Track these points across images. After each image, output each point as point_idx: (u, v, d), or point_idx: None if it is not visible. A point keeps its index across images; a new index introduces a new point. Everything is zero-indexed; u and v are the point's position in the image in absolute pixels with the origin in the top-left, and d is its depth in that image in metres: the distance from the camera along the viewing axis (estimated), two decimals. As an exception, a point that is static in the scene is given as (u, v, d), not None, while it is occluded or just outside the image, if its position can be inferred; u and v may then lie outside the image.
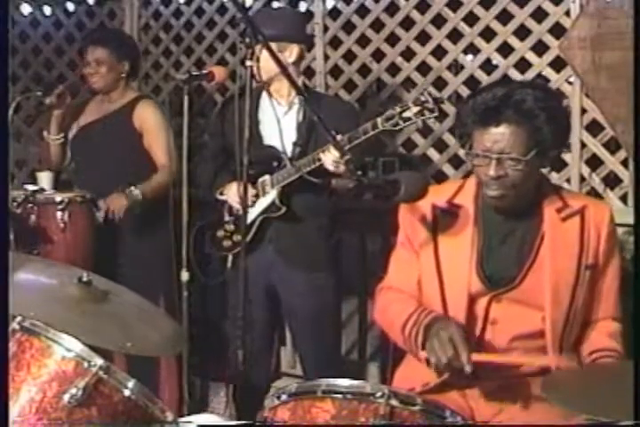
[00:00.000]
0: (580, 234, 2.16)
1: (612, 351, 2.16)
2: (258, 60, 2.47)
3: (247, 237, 2.86)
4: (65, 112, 3.55)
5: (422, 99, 2.50)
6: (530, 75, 3.40)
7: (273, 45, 2.81)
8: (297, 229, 3.00)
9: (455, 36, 3.58)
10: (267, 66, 2.72)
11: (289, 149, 2.96)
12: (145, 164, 3.49)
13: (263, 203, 2.96)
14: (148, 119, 3.50)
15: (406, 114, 2.53)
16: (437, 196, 2.15)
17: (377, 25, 3.77)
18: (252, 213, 2.95)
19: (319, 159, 2.73)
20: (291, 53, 2.96)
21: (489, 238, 2.19)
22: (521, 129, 2.05)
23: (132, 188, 3.38)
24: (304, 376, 3.18)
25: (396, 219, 2.31)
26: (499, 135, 2.05)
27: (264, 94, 3.03)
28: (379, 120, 2.59)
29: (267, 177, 2.94)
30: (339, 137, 2.60)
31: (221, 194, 3.06)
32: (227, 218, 3.07)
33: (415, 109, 2.51)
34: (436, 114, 2.50)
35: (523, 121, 2.04)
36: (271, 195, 2.94)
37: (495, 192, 2.11)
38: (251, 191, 2.87)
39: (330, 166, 2.69)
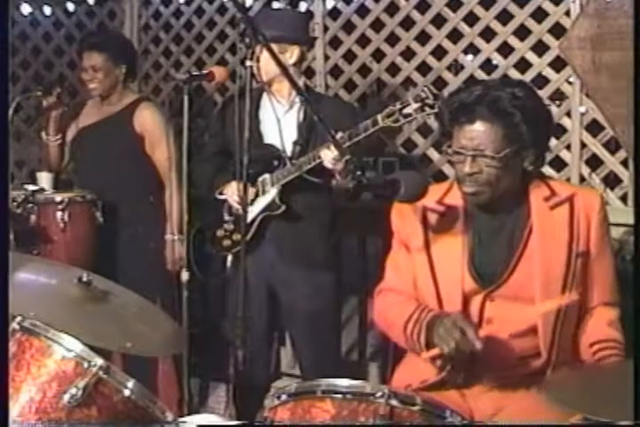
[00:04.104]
0: (569, 222, 2.16)
1: (613, 342, 2.17)
2: (258, 60, 2.48)
3: (247, 236, 2.86)
4: (63, 113, 3.54)
5: (422, 95, 2.52)
6: (530, 75, 3.40)
7: (273, 47, 2.83)
8: (297, 228, 3.00)
9: (455, 36, 3.58)
10: (267, 66, 2.72)
11: (289, 148, 2.96)
12: (145, 167, 3.49)
13: (263, 201, 2.96)
14: (149, 123, 3.48)
15: (407, 110, 2.55)
16: (427, 197, 2.16)
17: (377, 25, 3.77)
18: (252, 212, 2.95)
19: (319, 157, 2.73)
20: (291, 55, 2.96)
21: (479, 236, 2.21)
22: (496, 127, 2.07)
23: (168, 236, 3.44)
24: (302, 376, 3.18)
25: (398, 219, 2.31)
26: (474, 132, 2.08)
27: (265, 94, 3.04)
28: (379, 117, 2.60)
29: (267, 176, 2.94)
30: (339, 135, 2.61)
31: (221, 193, 3.06)
32: (226, 218, 3.07)
33: (415, 106, 2.53)
34: (436, 110, 2.52)
35: (497, 119, 2.07)
36: (271, 193, 2.94)
37: (470, 189, 2.13)
38: (250, 190, 2.87)
39: (328, 164, 2.70)
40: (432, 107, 2.51)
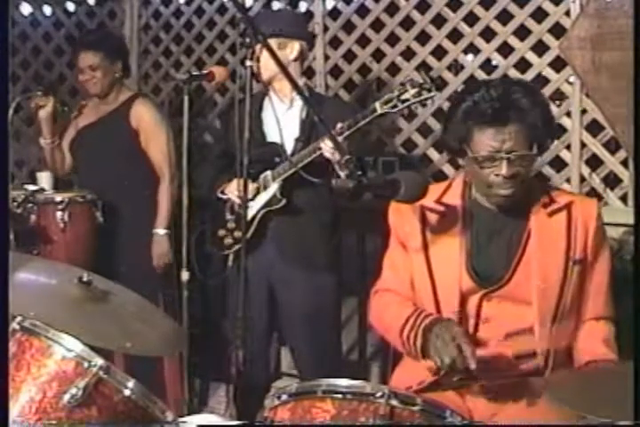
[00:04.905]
0: (566, 229, 2.18)
1: (609, 362, 2.14)
2: (258, 60, 2.48)
3: (248, 233, 2.86)
4: (54, 113, 3.52)
5: (420, 80, 2.53)
6: (530, 75, 3.40)
7: (273, 42, 2.85)
8: (298, 227, 3.00)
9: (455, 36, 3.58)
10: (268, 64, 2.72)
11: (291, 145, 2.97)
12: (143, 164, 3.49)
13: (264, 197, 2.96)
14: (145, 118, 3.49)
15: (404, 96, 2.56)
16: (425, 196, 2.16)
17: (377, 25, 3.77)
18: (254, 208, 2.96)
19: (319, 148, 2.74)
20: (292, 50, 2.98)
21: (477, 237, 2.21)
22: (523, 126, 2.08)
23: (158, 230, 3.43)
24: (300, 376, 3.18)
25: (396, 218, 2.31)
26: (501, 135, 2.08)
27: (269, 94, 3.05)
28: (377, 104, 2.61)
29: (268, 172, 2.95)
30: (339, 125, 2.62)
31: (222, 193, 3.06)
32: (228, 217, 3.07)
33: (413, 91, 2.54)
34: (433, 94, 2.54)
35: (523, 118, 2.08)
36: (272, 188, 2.95)
37: (508, 191, 2.13)
38: (252, 186, 2.88)
39: (328, 154, 2.70)
40: (429, 91, 2.52)
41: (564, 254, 2.17)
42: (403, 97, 2.56)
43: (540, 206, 2.20)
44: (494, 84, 2.17)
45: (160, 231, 3.44)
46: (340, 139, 2.57)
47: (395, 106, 2.57)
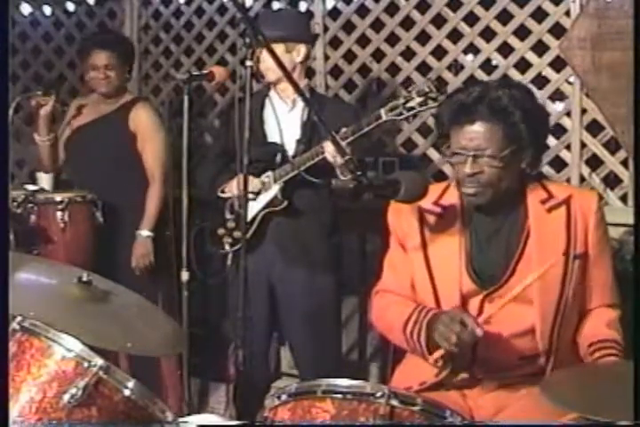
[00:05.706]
0: (566, 224, 2.17)
1: (611, 342, 2.16)
2: (258, 60, 2.48)
3: (248, 233, 2.86)
4: (53, 112, 3.52)
5: (425, 89, 2.53)
6: (530, 75, 3.40)
7: (281, 46, 2.86)
8: (298, 227, 3.01)
9: (455, 36, 3.58)
10: (274, 65, 2.72)
11: (292, 146, 2.97)
12: (137, 166, 3.49)
13: (265, 198, 2.97)
14: (143, 122, 3.49)
15: (410, 104, 2.56)
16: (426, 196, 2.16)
17: (377, 25, 3.77)
18: (254, 209, 2.96)
19: (322, 152, 2.74)
20: (298, 53, 3.00)
21: (477, 237, 2.21)
22: (496, 127, 2.08)
23: (140, 232, 3.43)
24: (300, 376, 3.18)
25: (394, 219, 2.31)
26: (474, 133, 2.09)
27: (271, 94, 3.06)
28: (382, 111, 2.61)
29: (269, 173, 2.95)
30: (342, 130, 2.62)
31: (223, 192, 3.06)
32: (228, 216, 3.07)
33: (419, 100, 2.54)
34: (439, 103, 2.53)
35: (498, 119, 2.08)
36: (273, 190, 2.95)
37: (471, 190, 2.14)
38: (254, 182, 2.88)
39: (330, 157, 2.70)
40: (435, 100, 2.52)
41: (564, 250, 2.15)
42: (408, 105, 2.56)
43: (539, 202, 2.19)
44: (480, 84, 2.19)
45: (143, 233, 3.45)
46: (343, 144, 2.57)
47: (400, 113, 2.58)
